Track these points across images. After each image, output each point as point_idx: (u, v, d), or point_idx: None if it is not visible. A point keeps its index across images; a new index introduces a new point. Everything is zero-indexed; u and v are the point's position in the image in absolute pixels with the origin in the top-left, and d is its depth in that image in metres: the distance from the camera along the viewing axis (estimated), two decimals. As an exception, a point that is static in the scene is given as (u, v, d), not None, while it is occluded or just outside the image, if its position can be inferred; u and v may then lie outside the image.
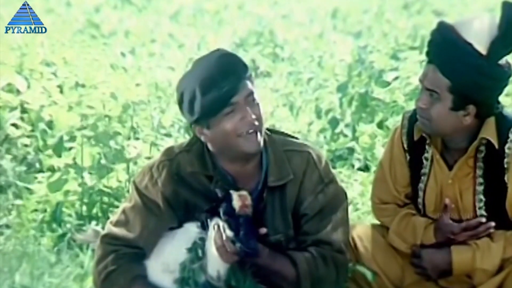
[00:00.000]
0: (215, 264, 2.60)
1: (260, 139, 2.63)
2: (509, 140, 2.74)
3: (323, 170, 2.76)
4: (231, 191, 2.57)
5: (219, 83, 2.54)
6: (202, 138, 2.66)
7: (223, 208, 2.55)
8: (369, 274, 2.94)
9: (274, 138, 2.75)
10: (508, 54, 2.65)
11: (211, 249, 2.58)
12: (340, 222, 2.78)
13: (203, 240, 2.63)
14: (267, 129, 2.78)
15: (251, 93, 2.60)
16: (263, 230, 2.58)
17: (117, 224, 2.74)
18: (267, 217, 2.72)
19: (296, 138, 2.90)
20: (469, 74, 2.61)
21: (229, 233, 2.51)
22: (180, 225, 2.71)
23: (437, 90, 2.66)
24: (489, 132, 2.73)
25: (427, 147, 2.89)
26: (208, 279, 2.61)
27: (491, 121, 2.74)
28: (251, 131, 2.60)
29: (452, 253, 2.77)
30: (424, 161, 2.92)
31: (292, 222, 2.74)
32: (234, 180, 2.71)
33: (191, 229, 2.67)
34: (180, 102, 2.65)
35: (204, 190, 2.70)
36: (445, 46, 2.65)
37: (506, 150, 2.73)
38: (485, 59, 2.60)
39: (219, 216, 2.56)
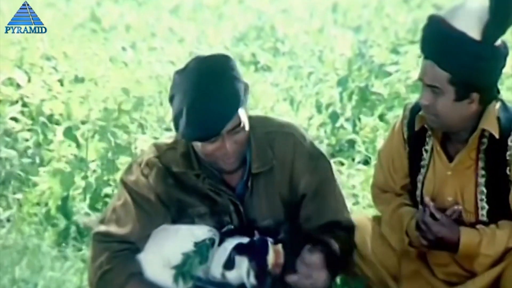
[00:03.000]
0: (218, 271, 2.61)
1: (237, 160, 2.60)
2: None
3: (310, 147, 2.76)
4: (269, 242, 2.55)
5: (204, 123, 2.47)
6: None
7: (256, 258, 2.53)
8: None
9: (254, 123, 2.69)
10: (502, 35, 2.64)
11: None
12: (339, 196, 2.81)
13: (212, 241, 2.62)
14: None
15: (238, 125, 2.53)
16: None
17: (108, 222, 2.71)
18: (254, 204, 2.72)
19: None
20: (467, 63, 2.60)
21: (253, 281, 2.52)
22: (173, 222, 2.71)
23: (438, 84, 2.65)
24: (489, 123, 2.73)
25: (427, 138, 2.90)
26: (209, 277, 2.61)
27: (492, 112, 2.74)
28: (227, 158, 2.58)
29: (461, 233, 2.76)
30: (424, 153, 2.92)
31: (290, 206, 2.74)
32: (221, 175, 2.70)
33: (198, 231, 2.66)
34: (170, 101, 2.61)
35: (195, 186, 2.69)
36: (439, 40, 2.63)
37: (509, 143, 2.73)
38: (481, 44, 2.58)
39: (246, 253, 2.55)
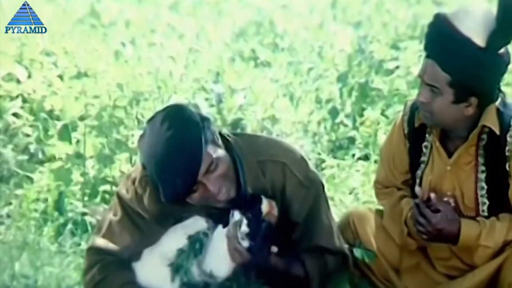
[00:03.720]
0: (214, 262, 2.60)
1: (229, 188, 2.58)
2: (511, 128, 2.74)
3: (301, 175, 2.73)
4: (262, 196, 2.58)
5: (175, 185, 2.48)
6: None
7: (251, 208, 2.55)
8: (367, 256, 2.95)
9: (244, 147, 2.69)
10: (507, 44, 2.64)
11: (218, 245, 2.58)
12: (329, 222, 2.79)
13: (206, 235, 2.62)
14: (233, 133, 2.75)
15: (209, 164, 2.51)
16: (275, 249, 2.56)
17: (103, 237, 2.71)
18: None
19: (262, 137, 2.90)
20: (469, 68, 2.61)
21: (245, 228, 2.52)
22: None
23: (437, 85, 2.66)
24: (490, 119, 2.74)
25: (427, 135, 2.90)
26: (201, 273, 2.61)
27: (492, 109, 2.75)
28: (217, 196, 2.56)
29: (462, 224, 2.77)
30: (424, 149, 2.93)
31: (282, 229, 2.71)
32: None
33: (194, 224, 2.66)
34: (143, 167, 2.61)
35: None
36: (443, 40, 2.63)
37: (508, 139, 2.74)
38: (485, 51, 2.59)
39: (242, 214, 2.56)
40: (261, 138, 2.90)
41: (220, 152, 2.56)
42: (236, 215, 2.56)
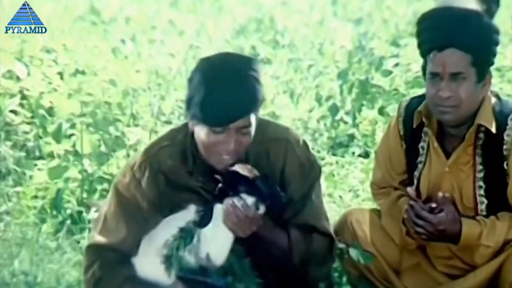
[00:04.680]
0: (211, 247, 2.61)
1: (232, 161, 2.58)
2: (508, 127, 2.74)
3: (303, 155, 2.75)
4: (232, 168, 2.58)
5: (219, 109, 2.49)
6: (190, 128, 2.64)
7: (236, 182, 2.55)
8: (363, 257, 2.94)
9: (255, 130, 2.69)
10: (498, 8, 2.78)
11: (216, 229, 2.58)
12: (320, 204, 2.81)
13: (195, 224, 2.62)
14: None
15: (248, 125, 2.54)
16: (262, 209, 2.57)
17: (100, 232, 2.71)
18: None
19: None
20: (484, 38, 2.67)
21: (251, 200, 2.53)
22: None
23: (462, 69, 2.67)
24: (485, 117, 2.75)
25: (423, 135, 2.90)
26: (198, 260, 2.61)
27: (487, 107, 2.75)
28: (225, 156, 2.57)
29: (463, 224, 2.77)
30: (421, 150, 2.92)
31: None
32: (213, 174, 2.66)
33: (186, 215, 2.65)
34: (189, 82, 2.61)
35: (186, 184, 2.68)
36: (455, 23, 2.66)
37: (505, 138, 2.73)
38: (488, 16, 2.69)
39: (227, 196, 2.56)
40: (267, 120, 2.90)
41: (253, 129, 2.59)
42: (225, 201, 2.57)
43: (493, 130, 2.74)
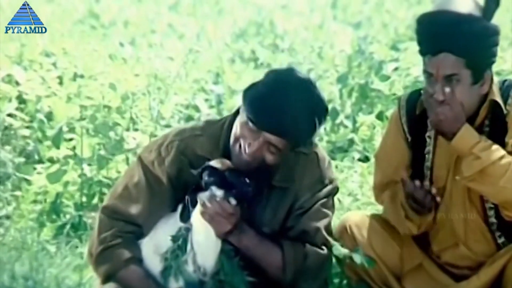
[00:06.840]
0: (204, 252, 2.63)
1: (254, 164, 2.63)
2: (509, 99, 2.81)
3: (325, 171, 2.82)
4: (208, 162, 2.63)
5: (268, 114, 2.57)
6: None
7: (210, 175, 2.60)
8: (367, 262, 2.94)
9: None
10: (497, 7, 2.73)
11: (198, 237, 2.61)
12: (326, 218, 2.82)
13: (187, 230, 2.64)
14: None
15: (279, 148, 2.61)
16: (233, 202, 2.61)
17: (119, 198, 2.75)
18: (258, 209, 2.75)
19: None
20: (479, 42, 2.69)
21: (220, 192, 2.58)
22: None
23: (456, 71, 2.70)
24: (495, 96, 2.80)
25: (429, 125, 2.89)
26: (196, 268, 2.62)
27: (495, 88, 2.81)
28: (244, 154, 2.62)
29: (464, 126, 2.74)
30: (427, 139, 2.92)
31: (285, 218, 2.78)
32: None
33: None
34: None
35: None
36: (448, 28, 2.69)
37: (508, 108, 2.80)
38: (483, 20, 2.68)
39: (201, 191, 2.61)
40: None
41: (285, 155, 2.68)
42: (205, 194, 2.61)
43: (502, 105, 2.79)
